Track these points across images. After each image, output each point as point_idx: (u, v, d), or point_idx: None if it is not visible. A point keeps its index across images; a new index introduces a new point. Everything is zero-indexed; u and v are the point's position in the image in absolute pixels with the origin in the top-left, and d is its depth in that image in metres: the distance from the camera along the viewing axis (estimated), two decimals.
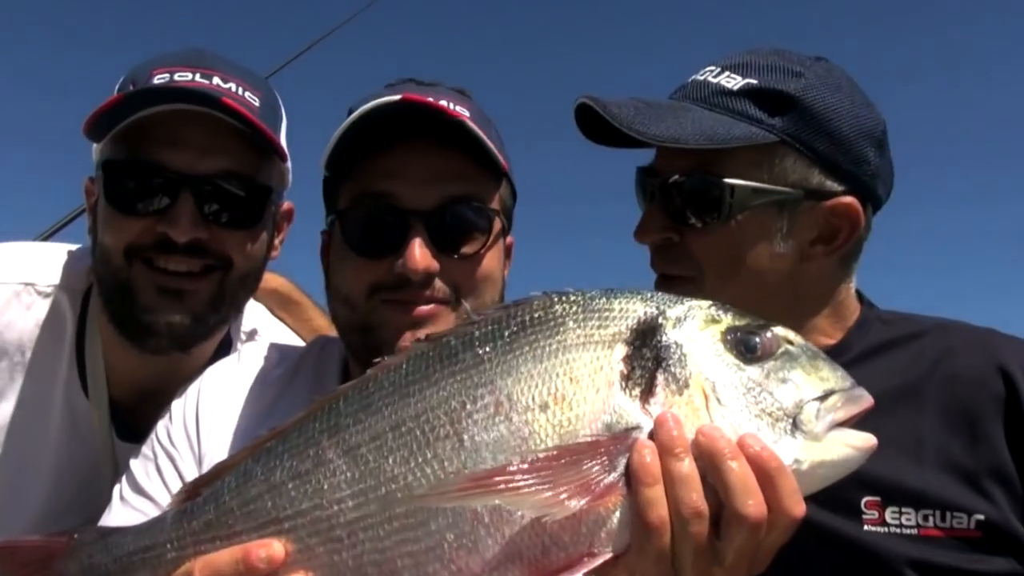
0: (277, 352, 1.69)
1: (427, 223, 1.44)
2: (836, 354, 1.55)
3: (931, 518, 1.44)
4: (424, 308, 1.44)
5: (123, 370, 1.80)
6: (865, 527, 1.46)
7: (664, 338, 1.01)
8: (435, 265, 1.43)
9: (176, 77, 1.65)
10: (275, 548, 1.03)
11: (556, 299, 1.07)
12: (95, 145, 1.70)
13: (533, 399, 0.98)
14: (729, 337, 1.02)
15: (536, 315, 1.05)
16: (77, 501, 1.80)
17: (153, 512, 1.38)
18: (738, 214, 1.48)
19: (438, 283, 1.45)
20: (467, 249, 1.48)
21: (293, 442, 1.09)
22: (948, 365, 1.53)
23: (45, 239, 2.81)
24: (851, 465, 1.00)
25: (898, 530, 1.45)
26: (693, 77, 1.59)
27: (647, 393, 0.98)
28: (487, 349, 1.04)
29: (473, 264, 1.49)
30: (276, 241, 1.86)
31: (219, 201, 1.63)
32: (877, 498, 1.47)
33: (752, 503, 0.92)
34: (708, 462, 0.93)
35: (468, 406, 1.00)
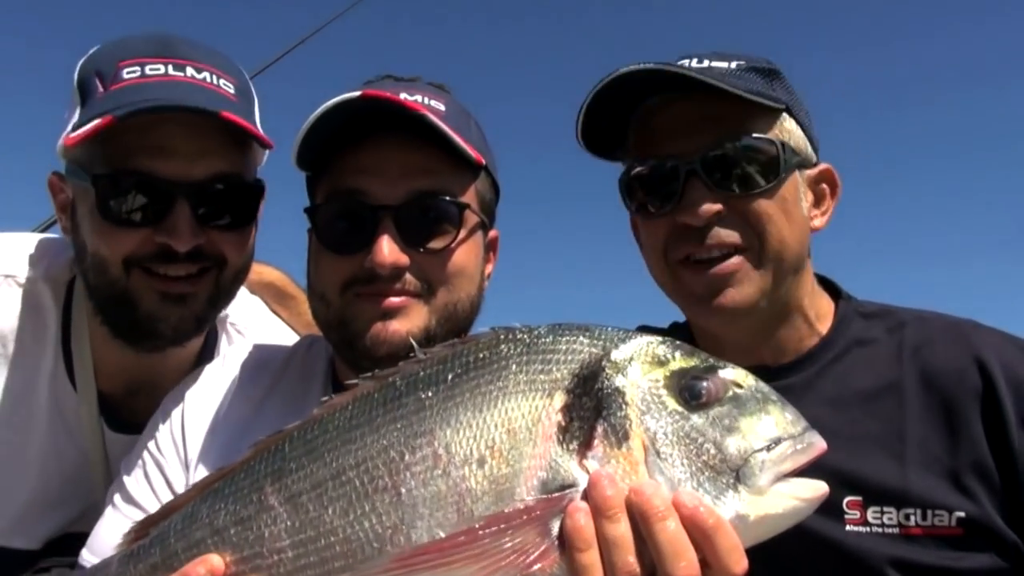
0: (263, 352, 1.68)
1: (396, 218, 1.42)
2: (820, 351, 1.56)
3: (912, 517, 1.42)
4: (395, 300, 1.43)
5: (111, 362, 1.77)
6: (847, 527, 1.44)
7: (605, 384, 0.97)
8: (403, 259, 1.42)
9: (148, 71, 1.58)
10: (214, 561, 1.03)
11: (503, 337, 1.04)
12: (60, 143, 1.64)
13: (471, 452, 0.96)
14: (674, 383, 0.98)
15: (481, 355, 1.02)
16: (68, 493, 1.80)
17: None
18: (787, 172, 1.49)
19: (408, 277, 1.43)
20: (436, 243, 1.46)
21: (238, 484, 1.08)
22: (927, 359, 1.50)
23: (43, 231, 2.76)
24: (799, 516, 0.97)
25: (880, 530, 1.44)
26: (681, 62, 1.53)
27: (585, 446, 0.95)
28: (429, 394, 1.01)
29: (443, 258, 1.46)
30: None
31: (214, 205, 1.60)
32: (859, 498, 1.45)
33: (684, 565, 0.90)
34: (640, 522, 0.91)
35: (407, 456, 0.98)
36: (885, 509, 1.43)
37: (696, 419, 0.96)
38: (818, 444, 0.99)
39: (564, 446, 0.95)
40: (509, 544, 0.90)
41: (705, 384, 0.98)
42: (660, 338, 1.04)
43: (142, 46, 1.63)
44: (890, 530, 1.43)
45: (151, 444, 1.55)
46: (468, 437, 0.97)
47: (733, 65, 1.50)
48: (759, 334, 1.55)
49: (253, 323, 2.01)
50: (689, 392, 0.98)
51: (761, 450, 0.96)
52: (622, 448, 0.94)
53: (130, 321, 1.62)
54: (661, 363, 1.00)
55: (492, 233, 1.60)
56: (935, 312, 1.61)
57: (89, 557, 1.45)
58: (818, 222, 1.56)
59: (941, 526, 1.41)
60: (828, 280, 1.66)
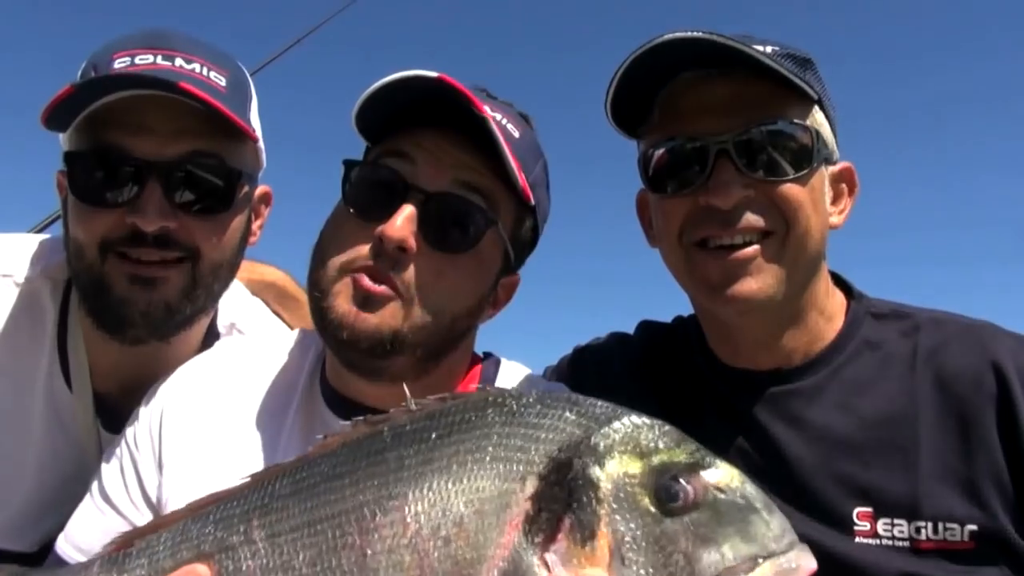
0: (252, 348, 1.63)
1: (424, 204, 1.35)
2: (830, 353, 1.53)
3: (924, 530, 1.40)
4: (375, 287, 1.34)
5: (106, 362, 1.77)
6: (857, 539, 1.42)
7: (579, 475, 0.91)
8: (411, 242, 1.33)
9: (137, 60, 1.58)
10: (199, 571, 1.03)
11: (490, 400, 1.00)
12: (61, 136, 1.64)
13: (438, 527, 0.93)
14: (651, 480, 0.91)
15: (467, 417, 0.99)
16: (64, 496, 1.78)
17: (114, 518, 1.45)
18: (818, 163, 1.46)
19: (404, 271, 1.34)
20: (450, 245, 1.37)
21: (231, 511, 1.08)
22: (942, 363, 1.46)
23: (39, 231, 2.73)
24: None
25: (890, 542, 1.41)
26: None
27: (549, 539, 0.90)
28: (411, 451, 0.99)
29: (441, 265, 1.37)
30: (254, 226, 1.81)
31: (188, 187, 1.59)
32: (869, 509, 1.43)
33: None
34: None
35: (379, 518, 0.96)
36: (896, 521, 1.41)
37: (669, 524, 0.89)
38: (806, 565, 0.89)
39: (529, 537, 0.91)
40: None
41: (683, 486, 0.90)
42: (649, 421, 0.96)
43: (137, 39, 1.63)
44: (901, 543, 1.40)
45: (130, 438, 1.54)
46: (438, 510, 0.94)
47: (768, 49, 1.41)
48: (774, 328, 1.50)
49: (255, 325, 1.99)
50: (665, 493, 0.90)
51: (736, 569, 0.87)
52: (586, 547, 0.88)
53: (104, 306, 1.61)
54: (642, 454, 0.92)
55: (513, 277, 1.53)
56: (951, 314, 1.55)
57: (63, 545, 1.47)
58: (836, 220, 1.51)
59: (953, 540, 1.38)
60: (840, 278, 1.60)
